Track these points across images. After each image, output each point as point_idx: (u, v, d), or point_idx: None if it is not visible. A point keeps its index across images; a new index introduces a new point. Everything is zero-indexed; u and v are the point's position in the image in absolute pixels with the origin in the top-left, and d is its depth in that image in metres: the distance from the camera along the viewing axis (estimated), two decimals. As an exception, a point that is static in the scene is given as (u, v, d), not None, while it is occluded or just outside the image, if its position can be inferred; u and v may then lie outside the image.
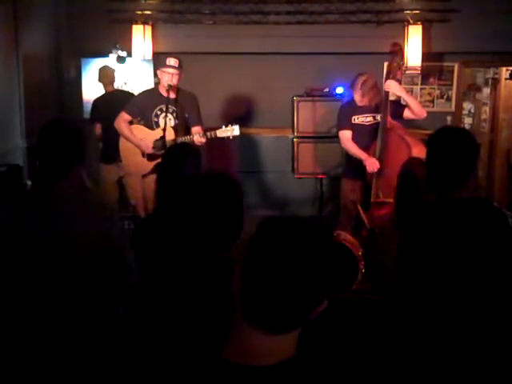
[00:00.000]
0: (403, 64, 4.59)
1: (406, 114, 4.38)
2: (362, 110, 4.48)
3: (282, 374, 1.04)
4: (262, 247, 1.06)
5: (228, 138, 4.21)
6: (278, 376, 1.04)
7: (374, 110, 4.43)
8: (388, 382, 2.12)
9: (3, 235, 2.06)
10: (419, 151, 3.85)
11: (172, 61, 4.23)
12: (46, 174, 2.11)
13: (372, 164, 4.21)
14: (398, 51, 4.39)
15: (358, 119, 4.49)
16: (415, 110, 4.31)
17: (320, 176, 5.42)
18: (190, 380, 1.06)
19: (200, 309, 1.91)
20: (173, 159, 2.70)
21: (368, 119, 4.48)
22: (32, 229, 2.04)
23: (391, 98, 4.37)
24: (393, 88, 4.27)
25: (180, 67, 4.24)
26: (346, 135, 4.50)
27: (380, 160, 4.20)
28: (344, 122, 4.53)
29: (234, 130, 4.19)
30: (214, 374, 1.05)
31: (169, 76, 4.21)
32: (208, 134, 4.21)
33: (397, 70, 4.35)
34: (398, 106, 4.45)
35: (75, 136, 2.16)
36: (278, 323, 1.05)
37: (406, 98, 4.35)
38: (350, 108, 4.52)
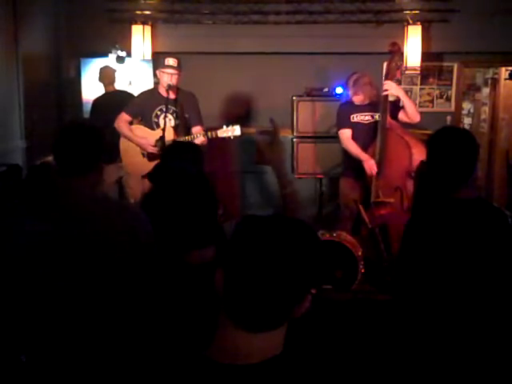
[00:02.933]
0: (402, 64, 4.59)
1: (401, 115, 4.38)
2: (360, 109, 4.49)
3: (266, 372, 1.05)
4: (242, 245, 1.08)
5: (229, 138, 4.20)
6: (262, 373, 1.04)
7: (373, 108, 4.44)
8: (380, 382, 2.12)
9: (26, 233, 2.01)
10: (419, 151, 3.86)
11: (171, 61, 4.22)
12: (65, 172, 2.09)
13: (371, 167, 4.23)
14: (396, 51, 4.39)
15: (356, 117, 4.50)
16: (410, 112, 4.30)
17: (320, 176, 5.42)
18: (175, 380, 1.07)
19: (185, 309, 1.91)
20: (172, 156, 2.71)
21: (367, 118, 4.49)
22: (55, 228, 2.00)
23: (390, 98, 4.37)
24: (391, 88, 4.27)
25: (179, 67, 4.24)
26: (346, 134, 4.50)
27: (380, 160, 4.20)
28: (343, 121, 4.54)
29: (235, 131, 4.17)
30: (200, 374, 1.06)
31: (168, 76, 4.21)
32: (209, 133, 4.20)
33: (396, 69, 4.35)
34: (395, 107, 4.45)
35: (97, 137, 2.17)
36: (260, 321, 1.06)
37: (403, 99, 4.34)
38: (349, 107, 4.53)
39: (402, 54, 4.67)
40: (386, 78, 4.31)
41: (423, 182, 2.72)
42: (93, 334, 2.00)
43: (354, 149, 4.42)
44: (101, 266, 2.01)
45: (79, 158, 2.10)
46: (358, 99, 4.45)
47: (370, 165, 4.23)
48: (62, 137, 2.13)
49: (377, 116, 4.38)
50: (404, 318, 2.23)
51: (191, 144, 3.42)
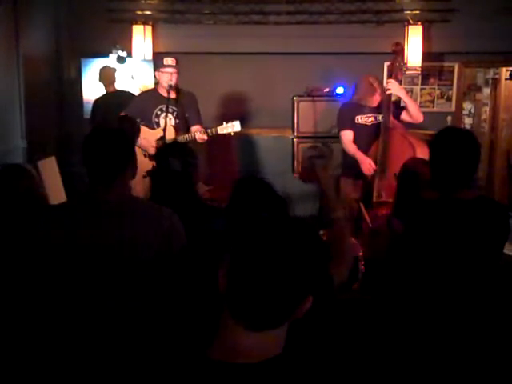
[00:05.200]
0: (404, 64, 4.58)
1: (404, 116, 4.37)
2: (364, 110, 4.45)
3: (266, 372, 1.05)
4: (246, 244, 1.09)
5: (229, 134, 4.22)
6: (262, 373, 1.05)
7: (376, 110, 4.42)
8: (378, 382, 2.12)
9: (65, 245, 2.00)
10: (422, 151, 3.84)
11: (169, 60, 4.27)
12: (97, 180, 2.07)
13: (368, 167, 4.22)
14: (400, 51, 4.39)
15: (361, 119, 4.47)
16: (413, 112, 4.29)
17: (320, 176, 5.41)
18: (176, 379, 1.08)
19: (187, 307, 1.91)
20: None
21: (370, 119, 4.47)
22: (96, 235, 2.00)
23: (392, 98, 4.36)
24: (393, 87, 4.26)
25: (177, 65, 4.27)
26: (347, 136, 4.47)
27: (382, 160, 4.19)
28: (346, 122, 4.50)
29: (235, 126, 4.21)
30: (200, 373, 1.06)
31: (168, 76, 4.23)
32: (209, 130, 4.23)
33: (399, 69, 4.34)
34: (397, 108, 4.44)
35: (125, 143, 2.13)
36: (262, 319, 1.07)
37: (405, 99, 4.34)
38: (353, 108, 4.49)
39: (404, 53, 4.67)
40: (390, 77, 4.31)
41: (405, 185, 2.73)
42: (102, 333, 2.00)
43: (354, 150, 4.40)
44: (133, 268, 2.00)
45: (109, 165, 2.05)
46: (375, 101, 4.39)
47: (367, 164, 4.23)
48: (91, 145, 2.08)
49: (380, 117, 4.37)
50: (397, 319, 2.23)
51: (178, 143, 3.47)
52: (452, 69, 6.11)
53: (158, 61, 4.40)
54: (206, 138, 4.22)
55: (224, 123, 4.24)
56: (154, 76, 4.60)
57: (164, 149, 2.95)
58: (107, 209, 2.04)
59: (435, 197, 2.24)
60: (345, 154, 4.58)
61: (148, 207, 2.15)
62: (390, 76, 4.33)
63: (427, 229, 2.20)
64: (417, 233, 2.24)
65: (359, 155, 4.32)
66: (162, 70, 4.28)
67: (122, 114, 4.41)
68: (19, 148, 5.16)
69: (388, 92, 4.24)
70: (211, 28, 5.89)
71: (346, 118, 4.52)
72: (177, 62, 4.28)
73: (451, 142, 2.23)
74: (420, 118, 4.33)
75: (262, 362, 1.06)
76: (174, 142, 4.20)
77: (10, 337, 2.09)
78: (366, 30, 5.76)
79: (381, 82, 4.44)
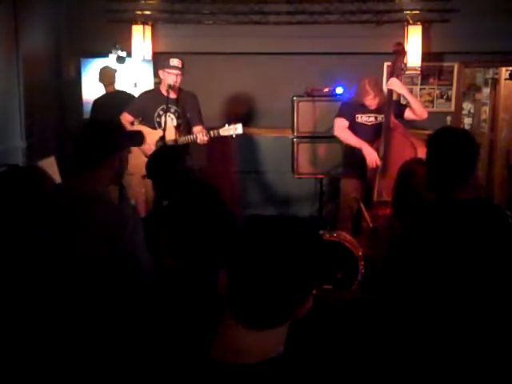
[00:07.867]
0: (405, 64, 4.57)
1: (407, 114, 4.36)
2: (365, 110, 4.43)
3: (266, 372, 1.05)
4: (247, 244, 1.09)
5: (231, 136, 4.21)
6: (262, 373, 1.05)
7: (377, 110, 4.41)
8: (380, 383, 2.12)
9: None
10: (424, 151, 3.84)
11: (175, 61, 4.23)
12: (76, 166, 2.20)
13: (371, 156, 4.16)
14: (401, 51, 4.38)
15: (361, 118, 4.46)
16: (416, 110, 4.29)
17: (320, 176, 5.42)
18: (176, 379, 1.08)
19: (187, 307, 1.91)
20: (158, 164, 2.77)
21: (371, 119, 4.45)
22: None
23: (394, 97, 4.36)
24: (395, 86, 4.25)
25: (183, 67, 4.25)
26: (341, 123, 4.42)
27: (384, 159, 4.18)
28: (345, 112, 4.46)
29: (237, 129, 4.20)
30: (200, 373, 1.06)
31: (173, 77, 4.21)
32: (211, 132, 4.21)
33: (400, 69, 4.33)
34: (399, 106, 4.43)
35: (105, 133, 2.24)
36: (263, 317, 1.07)
37: (408, 97, 4.33)
38: (354, 106, 4.46)
39: (405, 54, 4.65)
40: (391, 77, 4.31)
41: (402, 186, 2.71)
42: (90, 333, 2.01)
43: (350, 137, 4.35)
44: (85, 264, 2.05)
45: (86, 152, 2.20)
46: (373, 103, 4.35)
47: (371, 153, 4.18)
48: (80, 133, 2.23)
49: (380, 117, 4.36)
50: (398, 319, 2.23)
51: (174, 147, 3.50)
52: (451, 69, 6.12)
53: (163, 60, 4.35)
54: (207, 139, 4.21)
55: (226, 125, 4.22)
56: (157, 75, 4.57)
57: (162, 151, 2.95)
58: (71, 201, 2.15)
59: (433, 197, 2.24)
60: (346, 154, 4.57)
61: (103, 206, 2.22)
62: (391, 76, 4.32)
63: (426, 230, 2.20)
64: (416, 234, 2.24)
65: (360, 143, 4.27)
66: (167, 70, 4.24)
67: (124, 112, 4.40)
68: (19, 148, 5.16)
69: (390, 87, 4.24)
70: (211, 28, 5.90)
71: (345, 111, 4.47)
72: (183, 64, 4.26)
73: (447, 142, 2.23)
74: (424, 114, 4.32)
75: (262, 362, 1.06)
76: (175, 142, 4.20)
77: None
78: (366, 30, 5.77)
79: (378, 84, 4.41)
